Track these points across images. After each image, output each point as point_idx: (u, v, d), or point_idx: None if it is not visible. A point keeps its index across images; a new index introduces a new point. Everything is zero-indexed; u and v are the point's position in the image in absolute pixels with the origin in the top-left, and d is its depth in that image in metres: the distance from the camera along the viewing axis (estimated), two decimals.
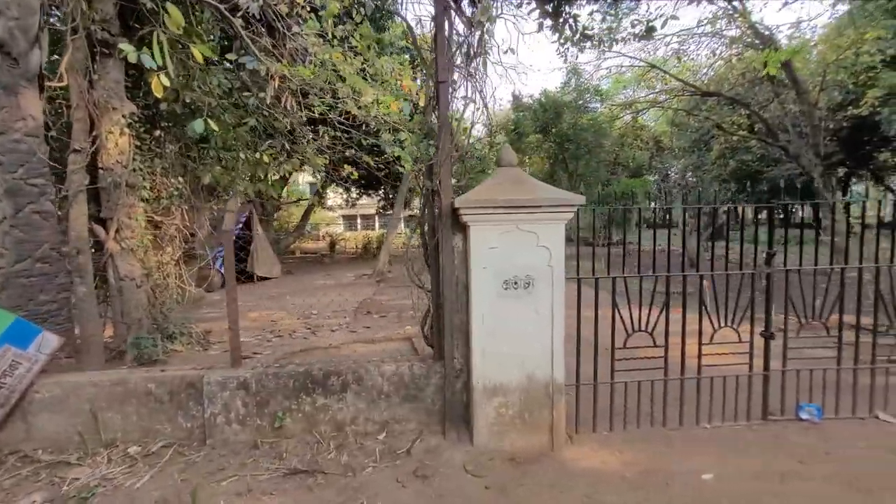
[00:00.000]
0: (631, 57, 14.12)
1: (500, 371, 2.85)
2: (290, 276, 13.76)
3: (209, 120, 3.57)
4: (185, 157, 6.38)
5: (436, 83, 2.76)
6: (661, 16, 4.83)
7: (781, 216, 3.71)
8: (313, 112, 5.61)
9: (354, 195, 21.20)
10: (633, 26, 5.75)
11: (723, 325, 3.23)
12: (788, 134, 12.34)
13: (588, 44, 4.58)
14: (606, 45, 6.45)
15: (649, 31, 4.95)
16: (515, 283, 2.81)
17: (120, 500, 2.47)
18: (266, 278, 12.63)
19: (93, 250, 4.62)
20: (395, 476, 2.64)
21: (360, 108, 5.33)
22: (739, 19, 11.57)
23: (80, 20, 3.90)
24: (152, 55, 3.04)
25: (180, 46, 4.36)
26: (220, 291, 9.61)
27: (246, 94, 5.53)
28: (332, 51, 4.80)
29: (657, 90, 15.77)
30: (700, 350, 3.24)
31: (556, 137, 15.96)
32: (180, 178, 6.39)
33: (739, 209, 4.14)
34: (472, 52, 2.81)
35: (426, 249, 3.12)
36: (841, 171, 17.50)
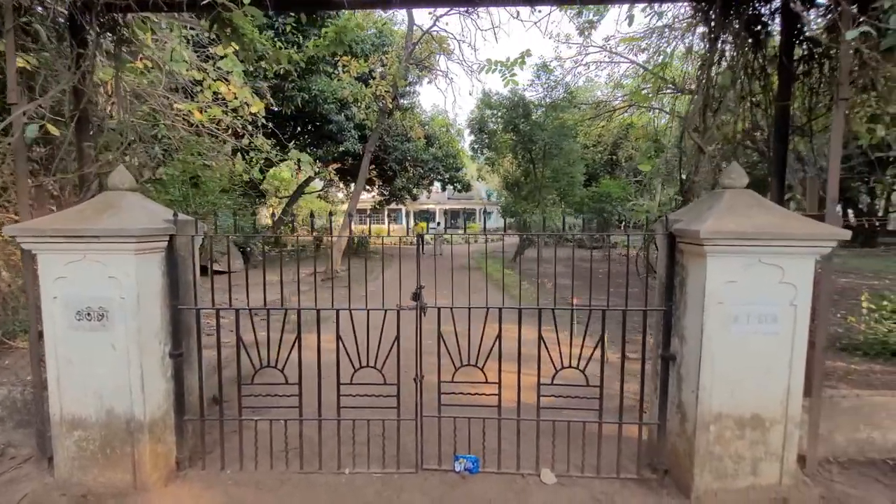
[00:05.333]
0: (611, 52, 13.16)
1: (79, 404, 2.75)
2: (254, 270, 13.51)
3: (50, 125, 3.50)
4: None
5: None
6: None
7: None
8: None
9: None
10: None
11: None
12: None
13: None
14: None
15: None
16: (88, 314, 2.69)
17: None
18: (221, 272, 12.47)
19: None
20: None
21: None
22: None
23: None
24: None
25: None
26: None
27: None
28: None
29: (629, 91, 14.80)
30: (339, 391, 3.03)
31: (522, 136, 15.40)
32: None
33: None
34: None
35: None
36: None
